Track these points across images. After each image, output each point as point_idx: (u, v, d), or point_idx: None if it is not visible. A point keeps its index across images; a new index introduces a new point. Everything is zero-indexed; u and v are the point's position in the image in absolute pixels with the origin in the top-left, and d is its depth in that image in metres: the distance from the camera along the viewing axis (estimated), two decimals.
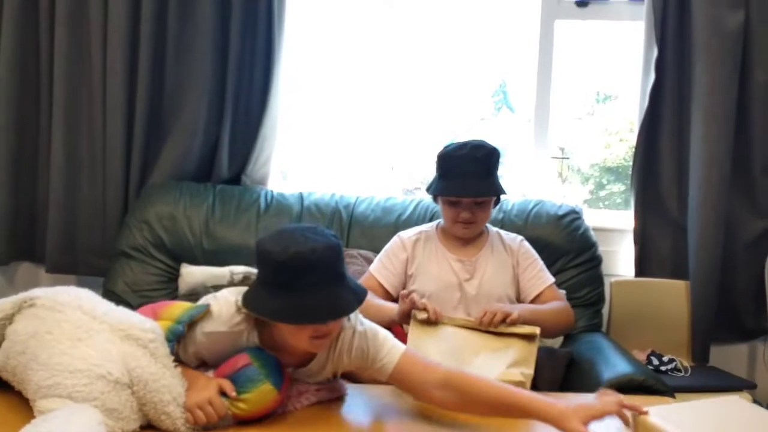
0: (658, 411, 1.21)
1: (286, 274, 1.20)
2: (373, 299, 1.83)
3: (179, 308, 1.36)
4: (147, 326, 1.29)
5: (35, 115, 2.55)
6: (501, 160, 1.90)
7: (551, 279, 1.93)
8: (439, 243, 1.93)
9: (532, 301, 1.88)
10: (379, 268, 1.94)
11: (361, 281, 1.95)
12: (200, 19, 2.43)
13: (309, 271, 1.20)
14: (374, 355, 1.35)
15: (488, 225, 1.99)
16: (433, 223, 2.01)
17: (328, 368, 1.40)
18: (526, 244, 1.97)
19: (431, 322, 1.64)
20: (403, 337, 1.79)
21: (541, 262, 1.95)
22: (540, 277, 1.91)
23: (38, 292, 1.35)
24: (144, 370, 1.23)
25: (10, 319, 1.33)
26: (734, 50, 2.28)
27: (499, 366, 1.59)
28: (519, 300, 1.91)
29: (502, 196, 2.07)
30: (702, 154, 2.30)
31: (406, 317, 1.67)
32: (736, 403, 1.26)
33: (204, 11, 2.42)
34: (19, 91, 2.48)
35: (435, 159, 1.91)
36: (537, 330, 1.65)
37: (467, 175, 1.81)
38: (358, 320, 1.38)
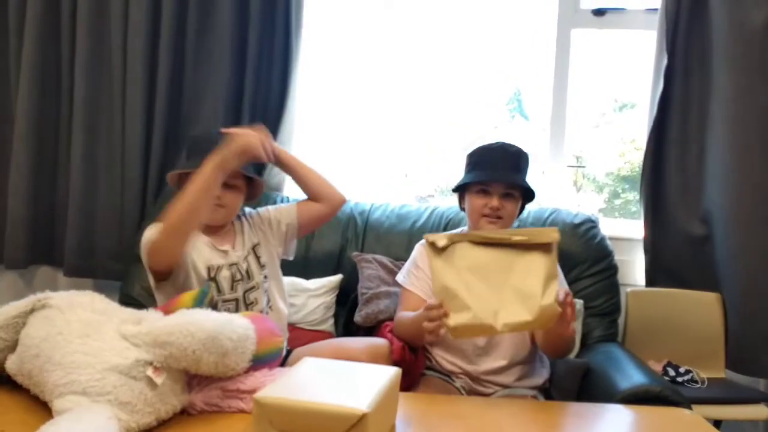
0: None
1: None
2: (405, 315, 1.80)
3: (188, 295, 1.43)
4: (157, 315, 1.33)
5: (56, 121, 2.59)
6: (529, 165, 1.90)
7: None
8: None
9: None
10: (413, 281, 1.89)
11: (400, 301, 1.92)
12: (219, 26, 2.46)
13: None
14: (278, 216, 1.84)
15: None
16: (457, 231, 1.99)
17: (251, 233, 1.80)
18: None
19: (445, 248, 1.54)
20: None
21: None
22: None
23: (52, 294, 1.37)
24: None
25: (25, 317, 1.35)
26: (761, 50, 2.19)
27: (535, 291, 1.49)
28: None
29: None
30: (729, 162, 2.23)
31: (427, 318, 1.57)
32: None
33: (222, 19, 2.45)
34: (40, 97, 2.52)
35: (465, 158, 1.91)
36: (556, 235, 1.52)
37: (498, 165, 1.82)
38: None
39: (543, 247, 1.52)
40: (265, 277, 1.78)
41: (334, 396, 1.11)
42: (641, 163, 2.42)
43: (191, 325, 1.23)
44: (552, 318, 1.48)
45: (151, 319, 1.29)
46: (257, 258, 1.78)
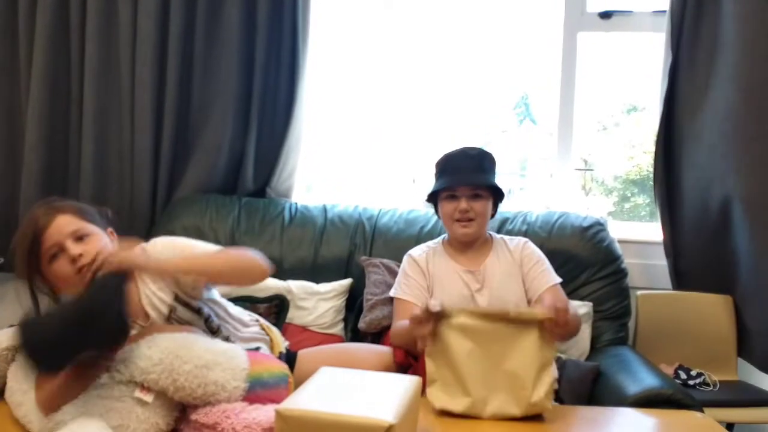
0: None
1: None
2: (400, 324, 1.79)
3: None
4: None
5: (65, 130, 2.60)
6: (496, 164, 1.96)
7: (557, 279, 1.90)
8: (447, 257, 1.96)
9: (537, 301, 1.83)
10: (405, 290, 1.92)
11: (394, 312, 1.93)
12: (226, 34, 2.48)
13: None
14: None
15: (492, 233, 2.01)
16: (439, 239, 2.05)
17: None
18: (531, 245, 1.96)
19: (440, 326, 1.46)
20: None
21: (546, 263, 1.93)
22: (544, 276, 1.89)
23: None
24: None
25: (15, 350, 1.34)
26: None
27: (527, 383, 1.45)
28: (526, 301, 1.89)
29: (523, 209, 2.07)
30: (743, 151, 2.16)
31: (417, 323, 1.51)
32: None
33: (230, 27, 2.47)
34: (50, 106, 2.53)
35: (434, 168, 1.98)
36: (550, 316, 1.42)
37: (461, 169, 1.89)
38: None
39: (538, 328, 1.43)
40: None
41: (359, 407, 1.08)
42: (652, 165, 2.40)
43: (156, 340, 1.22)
44: (541, 410, 1.44)
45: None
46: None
